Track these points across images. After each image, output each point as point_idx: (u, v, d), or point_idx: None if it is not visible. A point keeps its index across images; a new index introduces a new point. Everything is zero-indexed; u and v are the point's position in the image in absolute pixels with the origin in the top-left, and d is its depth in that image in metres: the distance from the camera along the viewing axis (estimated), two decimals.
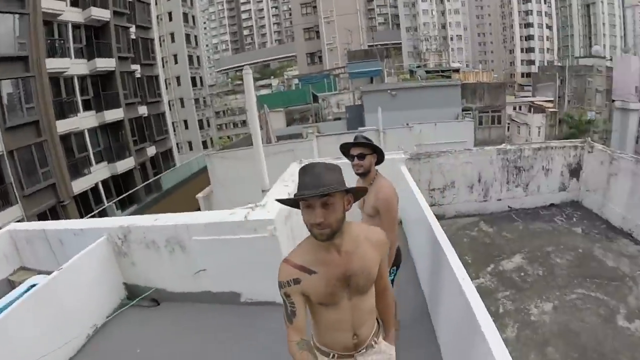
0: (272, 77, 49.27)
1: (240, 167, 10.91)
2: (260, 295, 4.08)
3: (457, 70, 29.94)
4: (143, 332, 3.88)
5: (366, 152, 2.60)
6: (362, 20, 40.90)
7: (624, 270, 4.56)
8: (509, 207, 6.49)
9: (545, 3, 61.58)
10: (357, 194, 1.62)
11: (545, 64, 50.25)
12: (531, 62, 59.71)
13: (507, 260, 4.97)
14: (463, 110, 19.40)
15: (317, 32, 40.12)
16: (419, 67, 31.62)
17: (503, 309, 4.05)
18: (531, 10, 60.84)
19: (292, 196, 1.57)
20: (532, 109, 33.97)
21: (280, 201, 1.64)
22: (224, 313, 4.03)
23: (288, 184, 4.61)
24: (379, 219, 2.64)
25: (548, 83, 36.66)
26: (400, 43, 55.55)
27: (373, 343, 1.76)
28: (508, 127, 27.02)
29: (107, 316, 4.06)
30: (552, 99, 35.18)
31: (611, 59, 44.00)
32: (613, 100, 35.81)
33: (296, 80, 33.56)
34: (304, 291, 1.57)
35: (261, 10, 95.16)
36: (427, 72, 27.92)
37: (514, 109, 34.12)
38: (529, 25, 61.21)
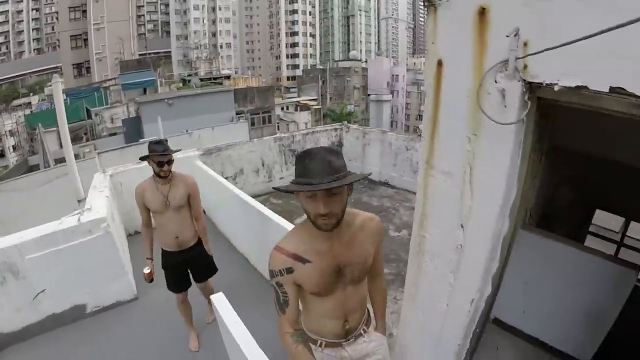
0: (31, 93, 41.29)
1: (24, 198, 9.69)
2: (107, 299, 4.04)
3: (228, 77, 32.00)
4: None
5: (172, 157, 2.88)
6: (133, 28, 38.60)
7: (387, 205, 7.08)
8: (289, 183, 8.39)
9: (310, 15, 69.81)
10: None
11: (309, 67, 55.64)
12: (296, 67, 66.12)
13: (299, 217, 6.55)
14: (237, 114, 21.36)
15: (86, 39, 36.82)
16: (190, 75, 32.30)
17: None
18: (297, 20, 67.93)
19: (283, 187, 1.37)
20: (298, 108, 36.83)
21: (278, 189, 1.38)
22: (70, 333, 3.74)
23: (102, 190, 4.64)
24: (187, 208, 3.02)
25: (312, 84, 41.02)
26: (170, 51, 54.21)
27: (362, 332, 1.69)
28: (278, 126, 29.64)
29: None
30: (315, 97, 39.24)
31: (366, 61, 52.37)
32: (368, 94, 44.18)
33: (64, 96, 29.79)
34: (297, 281, 1.48)
35: (20, 12, 75.28)
36: (201, 79, 29.00)
37: (282, 109, 36.46)
38: (294, 33, 68.37)
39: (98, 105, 24.52)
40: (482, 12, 1.51)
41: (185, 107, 18.92)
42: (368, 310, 1.77)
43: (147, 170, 3.05)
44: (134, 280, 4.26)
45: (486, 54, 1.53)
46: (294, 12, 68.04)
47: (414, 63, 60.77)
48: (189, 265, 3.19)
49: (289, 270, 1.46)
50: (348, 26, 72.09)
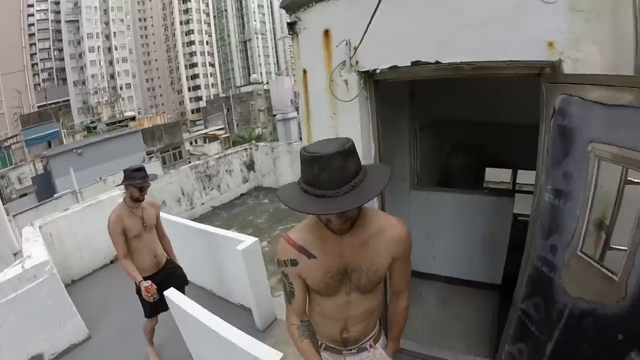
0: None
1: None
2: (61, 344, 3.96)
3: (133, 118, 31.52)
4: None
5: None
6: (29, 78, 35.53)
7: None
8: (211, 206, 8.76)
9: (207, 44, 69.78)
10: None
11: (212, 97, 55.32)
12: (199, 98, 65.84)
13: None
14: (147, 154, 21.16)
15: None
16: (93, 122, 31.38)
17: None
18: (195, 52, 67.58)
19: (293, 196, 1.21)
20: (207, 140, 36.47)
21: (282, 200, 1.22)
22: None
23: (37, 239, 4.61)
24: (155, 228, 3.20)
25: (217, 113, 40.95)
26: (69, 100, 51.45)
27: (368, 347, 1.60)
28: (189, 160, 29.39)
29: None
30: (222, 126, 39.36)
31: (268, 83, 51.55)
32: (274, 115, 45.05)
33: None
34: (300, 274, 1.43)
35: None
36: (107, 124, 28.25)
37: (191, 143, 35.95)
38: (193, 65, 67.97)
39: (2, 167, 22.90)
40: (327, 33, 2.34)
41: (95, 154, 18.43)
42: (381, 326, 1.67)
43: (76, 217, 3.29)
44: (82, 320, 4.20)
45: (332, 59, 2.37)
46: (191, 43, 67.71)
47: None
48: (167, 283, 3.17)
49: (294, 263, 1.40)
50: (246, 50, 72.56)
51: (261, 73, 65.73)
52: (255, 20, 71.71)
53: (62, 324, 4.01)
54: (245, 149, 9.78)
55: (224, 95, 50.03)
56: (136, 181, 2.93)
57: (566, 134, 1.68)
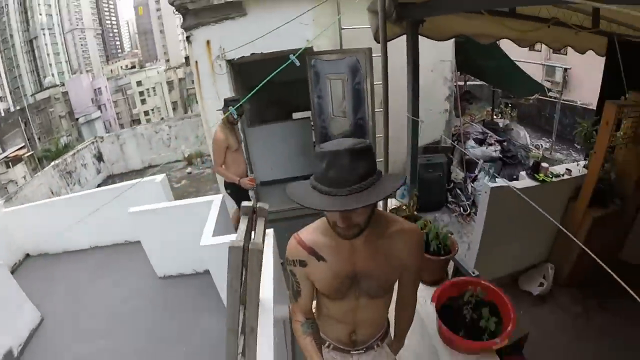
0: None
1: None
2: (22, 334, 3.60)
3: None
4: None
5: None
6: None
7: None
8: None
9: None
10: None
11: (3, 114, 46.19)
12: None
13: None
14: None
15: None
16: None
17: None
18: None
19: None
20: (10, 164, 30.27)
21: (288, 191, 1.13)
22: None
23: None
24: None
25: (14, 131, 35.65)
26: None
27: (376, 346, 1.59)
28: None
29: None
30: (23, 144, 34.34)
31: (64, 84, 45.70)
32: (77, 119, 39.89)
33: None
34: (309, 276, 1.38)
35: None
36: None
37: None
38: None
39: None
40: (208, 42, 4.67)
41: None
42: (388, 326, 1.64)
43: None
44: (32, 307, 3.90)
45: (212, 54, 4.70)
46: None
47: (111, 70, 58.51)
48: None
49: (302, 264, 1.34)
50: (33, 51, 60.87)
51: (53, 75, 56.73)
52: (40, 14, 60.46)
53: (19, 313, 3.75)
54: (93, 142, 10.82)
55: (17, 107, 42.86)
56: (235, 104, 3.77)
57: (316, 74, 4.49)
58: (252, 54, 4.71)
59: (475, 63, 6.56)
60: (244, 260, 1.45)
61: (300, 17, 3.96)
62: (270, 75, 3.17)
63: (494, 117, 8.08)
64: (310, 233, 1.34)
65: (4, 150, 35.13)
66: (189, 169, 10.77)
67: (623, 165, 3.04)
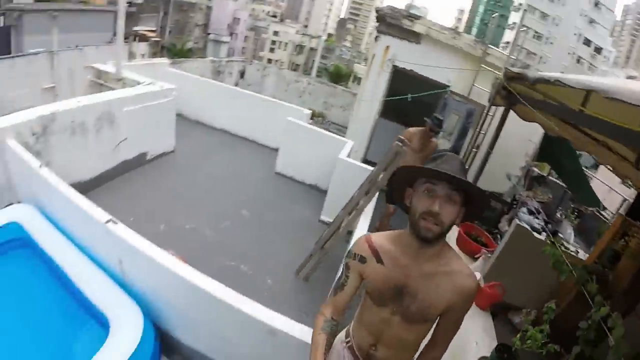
0: None
1: None
2: (159, 149, 5.30)
3: None
4: None
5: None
6: None
7: None
8: None
9: None
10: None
11: None
12: None
13: None
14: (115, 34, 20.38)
15: None
16: None
17: None
18: None
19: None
20: (137, 38, 32.65)
21: (400, 171, 1.41)
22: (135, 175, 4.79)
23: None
24: None
25: (152, 14, 37.72)
26: None
27: None
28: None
29: None
30: (155, 28, 36.59)
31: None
32: (208, 34, 42.98)
33: None
34: (363, 273, 1.47)
35: None
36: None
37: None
38: None
39: None
40: (387, 47, 6.78)
41: (68, 21, 16.61)
42: None
43: None
44: (173, 136, 5.64)
45: (386, 56, 6.80)
46: None
47: (253, 9, 62.09)
48: None
49: (362, 260, 1.45)
50: None
51: None
52: None
53: (165, 133, 5.44)
54: (243, 61, 12.89)
55: None
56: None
57: (445, 104, 6.40)
58: (410, 70, 6.73)
59: (555, 157, 7.00)
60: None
61: (448, 63, 6.21)
62: (418, 94, 5.56)
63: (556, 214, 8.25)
64: (380, 238, 1.47)
65: (136, 25, 38.20)
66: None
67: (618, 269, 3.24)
